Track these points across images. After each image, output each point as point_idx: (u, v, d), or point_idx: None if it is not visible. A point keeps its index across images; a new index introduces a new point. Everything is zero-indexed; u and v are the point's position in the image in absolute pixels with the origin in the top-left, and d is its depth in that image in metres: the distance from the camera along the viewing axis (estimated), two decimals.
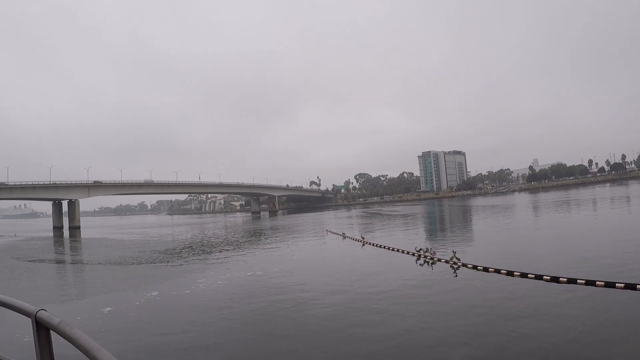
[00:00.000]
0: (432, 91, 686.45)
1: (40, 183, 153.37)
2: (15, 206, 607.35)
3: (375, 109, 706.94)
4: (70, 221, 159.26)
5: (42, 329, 3.76)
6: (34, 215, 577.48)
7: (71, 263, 57.94)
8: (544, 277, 26.68)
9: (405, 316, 21.48)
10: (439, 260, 37.12)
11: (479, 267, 32.19)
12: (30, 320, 3.83)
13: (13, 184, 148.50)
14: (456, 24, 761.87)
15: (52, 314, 3.75)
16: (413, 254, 41.31)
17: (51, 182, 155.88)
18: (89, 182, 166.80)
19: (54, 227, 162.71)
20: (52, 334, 3.74)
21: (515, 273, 28.79)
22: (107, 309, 26.62)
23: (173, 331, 21.57)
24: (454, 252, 36.12)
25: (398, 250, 45.33)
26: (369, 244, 54.03)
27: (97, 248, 78.95)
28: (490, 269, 30.98)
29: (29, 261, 57.41)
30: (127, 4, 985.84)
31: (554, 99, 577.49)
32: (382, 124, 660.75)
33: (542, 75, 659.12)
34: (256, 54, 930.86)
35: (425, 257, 39.19)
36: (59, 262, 59.25)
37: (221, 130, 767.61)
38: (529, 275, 27.63)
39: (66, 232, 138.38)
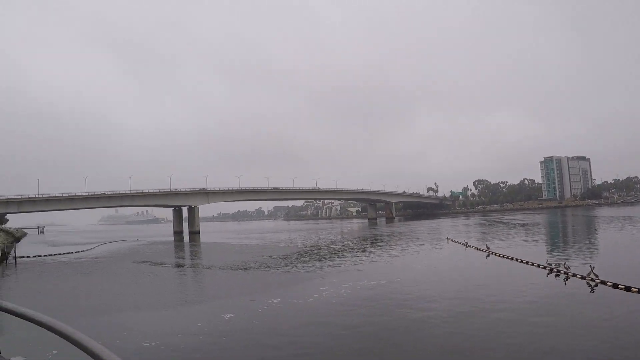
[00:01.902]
0: (552, 93, 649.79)
1: (161, 191, 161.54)
2: (137, 212, 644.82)
3: (493, 112, 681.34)
4: (190, 226, 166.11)
5: None
6: (155, 221, 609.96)
7: (191, 267, 59.61)
8: None
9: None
10: (574, 275, 33.85)
11: (620, 286, 28.66)
12: None
13: (135, 192, 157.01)
14: (580, 21, 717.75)
15: None
16: (544, 267, 38.39)
17: (171, 190, 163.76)
18: (208, 189, 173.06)
19: (174, 232, 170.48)
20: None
21: None
22: (228, 315, 26.29)
23: (300, 344, 20.53)
24: (592, 267, 32.47)
25: (527, 263, 42.21)
26: (494, 254, 51.17)
27: (216, 253, 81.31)
28: (633, 289, 27.48)
29: (150, 265, 59.40)
30: (232, 14, 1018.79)
31: None
32: (500, 128, 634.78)
33: None
34: (368, 58, 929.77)
35: (559, 271, 35.95)
36: (178, 266, 61.10)
37: (336, 136, 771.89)
38: None
39: (186, 237, 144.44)
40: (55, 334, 3.36)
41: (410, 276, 39.41)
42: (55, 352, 18.61)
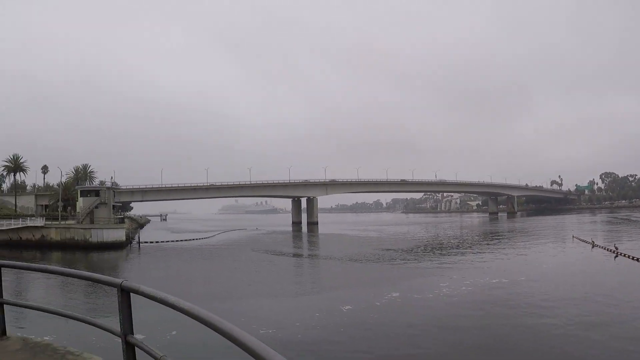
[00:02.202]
0: None
1: (280, 182, 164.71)
2: (257, 203, 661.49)
3: (618, 98, 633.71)
4: (308, 217, 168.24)
5: (125, 294, 4.80)
6: (274, 211, 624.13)
7: (308, 257, 60.02)
8: None
9: None
10: None
11: None
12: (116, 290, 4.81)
13: (255, 182, 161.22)
14: None
15: (132, 282, 4.75)
16: None
17: (290, 181, 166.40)
18: (326, 180, 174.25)
19: (292, 223, 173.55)
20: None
21: None
22: (347, 307, 25.86)
23: (418, 343, 19.72)
24: None
25: None
26: (624, 255, 46.72)
27: (334, 244, 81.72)
28: None
29: (269, 253, 60.34)
30: (341, 3, 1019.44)
31: None
32: (629, 115, 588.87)
33: None
34: (483, 45, 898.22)
35: None
36: (296, 255, 61.67)
37: (453, 127, 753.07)
38: None
39: (304, 228, 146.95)
40: (189, 316, 3.66)
41: (534, 276, 37.19)
42: (174, 332, 18.96)
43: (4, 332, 7.02)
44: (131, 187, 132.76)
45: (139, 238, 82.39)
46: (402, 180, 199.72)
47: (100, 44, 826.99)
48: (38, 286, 35.01)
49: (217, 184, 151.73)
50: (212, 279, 40.30)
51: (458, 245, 70.01)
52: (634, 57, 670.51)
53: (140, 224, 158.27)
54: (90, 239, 71.29)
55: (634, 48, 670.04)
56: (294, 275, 43.93)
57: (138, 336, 4.78)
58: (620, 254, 47.78)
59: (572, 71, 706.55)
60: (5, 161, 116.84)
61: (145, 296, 4.42)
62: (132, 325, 4.85)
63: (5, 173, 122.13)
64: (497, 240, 78.06)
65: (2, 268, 6.88)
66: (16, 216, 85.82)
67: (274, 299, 29.77)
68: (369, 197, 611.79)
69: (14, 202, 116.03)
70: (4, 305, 6.99)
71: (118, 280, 4.86)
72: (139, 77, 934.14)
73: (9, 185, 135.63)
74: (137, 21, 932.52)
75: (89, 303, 27.95)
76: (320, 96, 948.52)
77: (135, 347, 4.77)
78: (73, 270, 6.25)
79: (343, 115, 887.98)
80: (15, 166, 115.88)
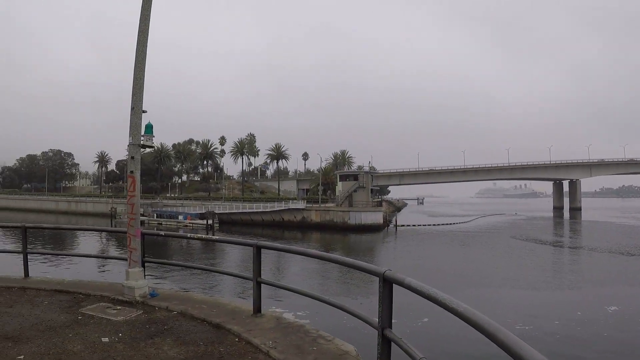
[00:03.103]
0: None
1: (540, 163, 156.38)
2: (515, 186, 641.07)
3: None
4: (570, 202, 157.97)
5: (388, 285, 4.67)
6: (534, 195, 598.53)
7: (570, 247, 56.31)
8: None
9: None
10: None
11: None
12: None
13: (514, 164, 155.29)
14: None
15: (396, 272, 4.58)
16: None
17: (551, 162, 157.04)
18: (591, 160, 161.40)
19: (553, 208, 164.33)
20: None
21: None
22: (612, 307, 23.90)
23: None
24: None
25: None
26: None
27: (599, 233, 74.95)
28: None
29: (528, 241, 58.13)
30: None
31: None
32: None
33: None
34: None
35: None
36: (557, 244, 58.34)
37: None
38: None
39: (566, 214, 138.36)
40: (460, 317, 3.42)
41: None
42: (425, 319, 19.25)
43: (259, 310, 7.65)
44: (388, 171, 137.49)
45: (395, 221, 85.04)
46: None
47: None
48: (295, 267, 37.85)
49: (474, 166, 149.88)
50: (469, 264, 40.21)
51: None
52: None
53: (397, 207, 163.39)
54: (348, 221, 75.77)
55: None
56: (554, 266, 41.54)
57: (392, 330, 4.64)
58: None
59: None
60: (269, 150, 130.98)
61: (411, 290, 4.21)
62: (391, 318, 4.73)
63: (269, 160, 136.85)
64: None
65: (262, 249, 7.56)
66: (279, 199, 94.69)
67: (532, 291, 28.67)
68: (637, 180, 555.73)
69: (277, 187, 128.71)
70: (262, 285, 7.64)
71: (381, 270, 4.74)
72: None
73: (272, 171, 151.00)
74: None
75: (346, 289, 29.38)
76: (579, 68, 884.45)
77: (392, 342, 4.63)
78: (335, 255, 6.36)
79: (609, 88, 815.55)
80: (278, 154, 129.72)
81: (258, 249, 7.50)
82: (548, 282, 31.97)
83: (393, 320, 4.71)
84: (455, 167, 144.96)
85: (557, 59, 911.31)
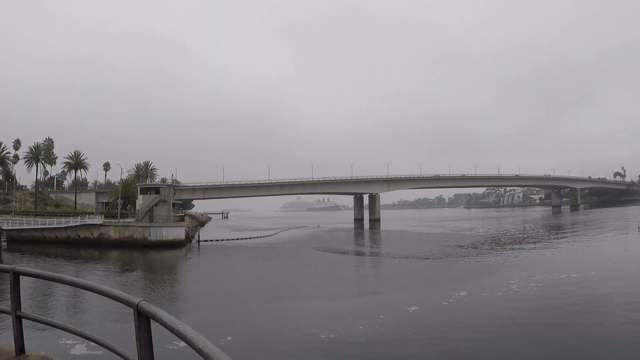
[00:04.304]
0: None
1: (342, 178, 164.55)
2: (319, 200, 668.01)
3: None
4: (370, 214, 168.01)
5: (143, 318, 4.10)
6: (336, 208, 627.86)
7: (371, 255, 58.96)
8: None
9: None
10: None
11: None
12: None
13: (317, 179, 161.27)
14: None
15: (151, 305, 4.04)
16: None
17: (353, 178, 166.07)
18: (389, 176, 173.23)
19: (354, 219, 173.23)
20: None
21: None
22: (413, 308, 24.62)
23: (493, 347, 18.32)
24: None
25: None
26: None
27: (397, 241, 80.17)
28: None
29: (330, 252, 59.32)
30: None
31: None
32: None
33: None
34: (546, 37, 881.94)
35: None
36: (358, 253, 60.73)
37: (518, 122, 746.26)
38: None
39: (366, 225, 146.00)
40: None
41: (604, 270, 36.29)
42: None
43: (22, 350, 6.35)
44: (192, 184, 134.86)
45: (199, 236, 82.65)
46: (462, 176, 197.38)
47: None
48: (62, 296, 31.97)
49: (279, 181, 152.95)
50: (272, 279, 39.43)
51: (523, 240, 68.27)
52: None
53: (201, 222, 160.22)
54: (148, 237, 71.57)
55: None
56: (356, 274, 42.73)
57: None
58: None
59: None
60: (67, 158, 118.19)
61: (163, 324, 3.67)
62: (152, 356, 4.10)
63: (66, 170, 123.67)
64: (562, 234, 76.68)
65: (20, 276, 6.08)
66: (75, 214, 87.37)
67: (337, 300, 28.59)
68: (431, 193, 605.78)
69: (74, 199, 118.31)
70: (23, 320, 6.19)
71: (135, 300, 4.15)
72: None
73: (70, 182, 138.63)
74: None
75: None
76: (387, 92, 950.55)
77: None
78: (91, 283, 5.26)
79: (407, 109, 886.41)
80: (77, 163, 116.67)
81: (16, 276, 5.94)
82: (351, 289, 32.39)
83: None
84: (260, 182, 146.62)
85: (360, 80, 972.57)
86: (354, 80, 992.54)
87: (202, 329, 14.42)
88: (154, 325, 3.97)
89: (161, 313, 3.82)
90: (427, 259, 48.86)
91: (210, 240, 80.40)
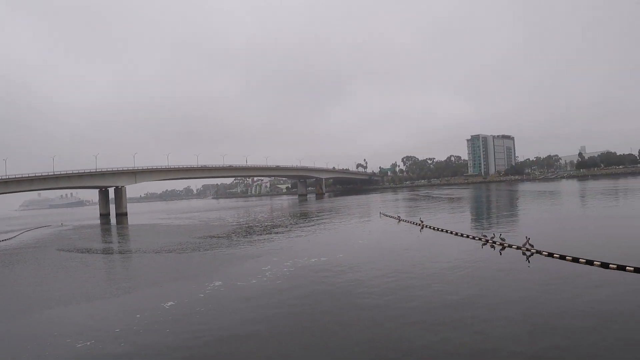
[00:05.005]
0: (483, 76, 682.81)
1: (86, 171, 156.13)
2: (61, 195, 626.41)
3: (425, 92, 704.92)
4: (117, 208, 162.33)
5: None
6: (81, 203, 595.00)
7: (120, 253, 57.23)
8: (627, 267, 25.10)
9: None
10: (509, 246, 35.50)
11: (555, 255, 30.31)
12: None
13: (59, 173, 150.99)
14: (520, 7, 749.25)
15: None
16: (479, 239, 40.43)
17: (97, 170, 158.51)
18: (137, 168, 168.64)
19: (100, 215, 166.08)
20: None
21: (595, 262, 27.02)
22: (169, 303, 24.86)
23: (252, 334, 19.54)
24: (528, 238, 34.29)
25: (462, 235, 44.38)
26: (428, 227, 53.43)
27: (146, 235, 78.89)
28: (567, 257, 29.15)
29: (77, 252, 56.59)
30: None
31: (610, 89, 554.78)
32: (431, 108, 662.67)
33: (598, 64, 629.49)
34: (306, 35, 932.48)
35: (494, 242, 37.54)
36: (107, 252, 58.59)
37: (270, 115, 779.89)
38: (610, 265, 25.96)
39: (113, 220, 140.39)
40: None
41: (351, 252, 39.83)
42: None
43: None
44: None
45: None
46: (210, 166, 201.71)
47: None
48: None
49: (16, 176, 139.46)
50: (15, 288, 36.29)
51: (272, 228, 71.94)
52: (442, 58, 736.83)
53: None
54: None
55: (442, 51, 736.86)
56: (107, 274, 40.97)
57: None
58: (426, 226, 54.25)
59: (388, 68, 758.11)
60: None
61: None
62: None
63: None
64: (309, 221, 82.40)
65: None
66: None
67: (88, 303, 27.23)
68: (179, 184, 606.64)
69: None
70: None
71: None
72: None
73: None
74: None
75: None
76: (136, 82, 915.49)
77: None
78: None
79: (158, 103, 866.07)
80: None
81: None
82: (104, 291, 31.31)
83: None
84: None
85: (116, 72, 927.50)
86: (101, 68, 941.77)
87: None
88: None
89: None
90: (179, 251, 49.03)
91: None
